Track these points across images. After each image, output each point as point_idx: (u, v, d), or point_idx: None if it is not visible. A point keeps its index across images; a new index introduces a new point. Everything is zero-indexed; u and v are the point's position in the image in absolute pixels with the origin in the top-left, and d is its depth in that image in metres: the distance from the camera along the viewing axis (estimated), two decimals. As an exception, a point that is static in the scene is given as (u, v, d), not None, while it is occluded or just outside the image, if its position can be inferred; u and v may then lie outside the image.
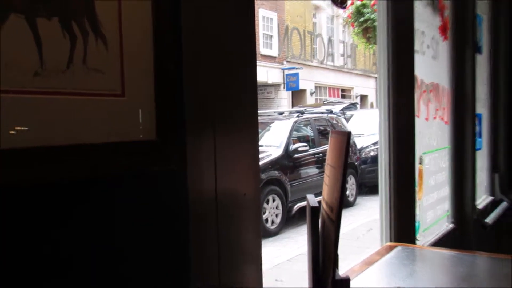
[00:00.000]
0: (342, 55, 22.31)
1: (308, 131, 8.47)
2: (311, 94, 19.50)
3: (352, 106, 13.94)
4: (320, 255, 1.00)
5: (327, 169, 1.07)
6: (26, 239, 0.70)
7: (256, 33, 1.20)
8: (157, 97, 0.88)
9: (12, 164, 0.68)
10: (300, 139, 8.06)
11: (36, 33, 0.71)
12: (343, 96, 21.75)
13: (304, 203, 7.19)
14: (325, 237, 0.98)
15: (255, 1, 1.17)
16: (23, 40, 0.69)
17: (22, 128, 0.69)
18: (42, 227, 0.72)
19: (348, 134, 0.96)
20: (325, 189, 1.05)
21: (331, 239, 0.93)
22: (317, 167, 7.99)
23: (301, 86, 17.79)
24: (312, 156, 8.00)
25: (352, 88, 22.82)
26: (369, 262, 1.55)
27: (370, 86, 23.73)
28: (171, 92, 0.91)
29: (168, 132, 0.90)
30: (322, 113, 9.61)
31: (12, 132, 0.68)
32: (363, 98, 23.27)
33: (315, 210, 1.02)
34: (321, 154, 8.08)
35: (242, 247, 1.10)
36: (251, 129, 1.16)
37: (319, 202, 1.05)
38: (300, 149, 7.74)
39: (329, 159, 1.06)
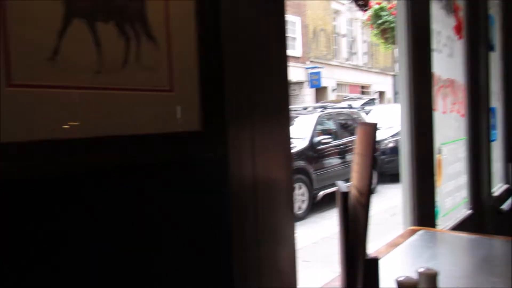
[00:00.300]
0: (361, 54, 22.00)
1: (331, 125, 8.39)
2: (333, 91, 19.31)
3: (371, 101, 13.75)
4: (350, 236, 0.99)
5: (356, 157, 1.05)
6: (96, 218, 0.71)
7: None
8: (201, 92, 0.88)
9: (77, 152, 0.70)
10: (323, 132, 7.99)
11: (96, 36, 0.71)
12: (362, 93, 21.45)
13: (328, 191, 7.16)
14: (355, 220, 0.97)
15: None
16: (85, 42, 0.70)
17: (86, 119, 0.70)
18: (109, 207, 0.73)
19: (375, 125, 0.95)
20: (354, 176, 1.04)
21: (361, 222, 0.92)
22: (339, 158, 7.93)
23: (323, 84, 17.64)
24: (335, 148, 7.93)
25: (371, 85, 22.49)
26: (393, 244, 1.53)
27: (387, 83, 23.35)
28: (213, 87, 0.91)
29: (211, 123, 0.90)
30: (343, 108, 9.50)
31: (77, 123, 0.69)
32: (381, 94, 22.91)
33: (346, 195, 1.00)
34: (343, 146, 8.00)
35: (278, 230, 1.10)
36: (284, 120, 1.16)
37: (348, 188, 1.04)
38: (323, 141, 7.69)
39: (357, 148, 1.05)
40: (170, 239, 0.84)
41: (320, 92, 18.53)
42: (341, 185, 1.05)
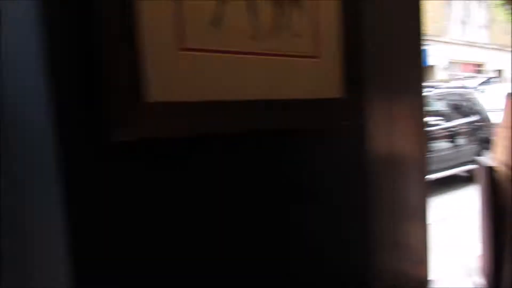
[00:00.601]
0: (477, 30, 20.24)
1: (441, 106, 7.88)
2: (444, 69, 18.09)
3: (488, 81, 12.63)
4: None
5: (503, 131, 0.99)
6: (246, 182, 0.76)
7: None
8: (344, 59, 0.89)
9: (232, 114, 0.74)
10: (432, 114, 7.54)
11: (252, 2, 0.75)
12: (477, 71, 19.81)
13: (436, 176, 6.79)
14: (502, 196, 0.92)
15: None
16: (242, 8, 0.74)
17: (240, 83, 0.75)
18: (248, 172, 0.78)
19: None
20: (501, 151, 0.98)
21: (511, 198, 0.87)
22: (449, 141, 7.43)
23: (433, 62, 16.60)
24: (445, 130, 7.45)
25: (487, 63, 20.66)
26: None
27: (506, 60, 21.25)
28: (355, 56, 0.91)
29: (352, 91, 0.90)
30: (455, 88, 8.86)
31: (233, 86, 0.74)
32: (500, 72, 20.93)
33: (491, 170, 0.95)
34: (454, 129, 7.50)
35: (412, 205, 1.08)
36: (418, 94, 1.14)
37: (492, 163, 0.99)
38: (432, 123, 7.26)
39: (506, 122, 0.99)
40: (307, 209, 0.86)
41: (429, 71, 17.48)
42: (484, 160, 1.00)
